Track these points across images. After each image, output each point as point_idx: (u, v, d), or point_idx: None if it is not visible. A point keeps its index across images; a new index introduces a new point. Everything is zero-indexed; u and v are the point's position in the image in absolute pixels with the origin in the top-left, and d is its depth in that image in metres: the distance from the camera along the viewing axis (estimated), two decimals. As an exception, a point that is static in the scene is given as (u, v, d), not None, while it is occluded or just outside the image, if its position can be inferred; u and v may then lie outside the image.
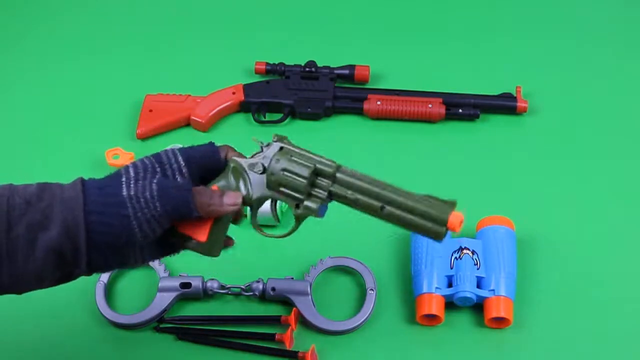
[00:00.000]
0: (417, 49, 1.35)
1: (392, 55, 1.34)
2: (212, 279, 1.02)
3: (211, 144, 0.83)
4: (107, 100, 1.27)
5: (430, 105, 1.22)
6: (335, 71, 1.27)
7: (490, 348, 0.99)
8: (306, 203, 0.80)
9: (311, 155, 0.81)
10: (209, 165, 0.81)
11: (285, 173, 0.80)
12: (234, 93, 1.25)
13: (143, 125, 1.21)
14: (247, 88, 1.25)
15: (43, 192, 0.74)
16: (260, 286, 1.01)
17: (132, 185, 0.75)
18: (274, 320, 1.00)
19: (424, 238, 1.01)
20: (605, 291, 1.04)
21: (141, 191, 0.74)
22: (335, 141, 1.21)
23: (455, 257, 1.01)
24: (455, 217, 0.78)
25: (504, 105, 1.23)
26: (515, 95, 1.23)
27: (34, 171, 1.17)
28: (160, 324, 1.00)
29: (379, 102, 1.22)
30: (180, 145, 1.13)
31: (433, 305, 0.98)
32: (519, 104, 1.23)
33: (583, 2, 1.44)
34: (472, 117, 1.23)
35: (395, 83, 1.28)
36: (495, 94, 1.24)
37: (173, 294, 1.01)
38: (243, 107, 1.25)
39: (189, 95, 1.24)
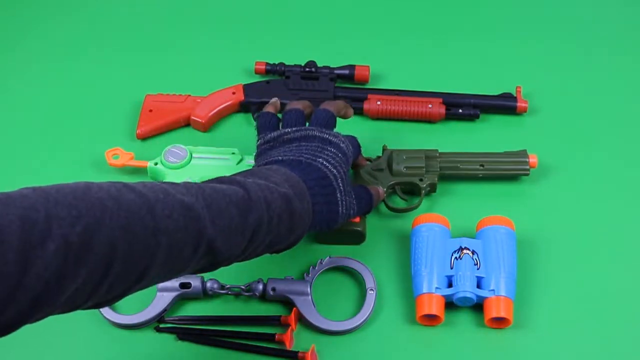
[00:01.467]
0: (417, 49, 1.35)
1: (392, 55, 1.34)
2: (212, 279, 1.02)
3: (355, 141, 1.05)
4: (107, 100, 1.27)
5: (430, 105, 1.22)
6: (335, 71, 1.27)
7: (490, 348, 0.99)
8: (426, 177, 1.11)
9: (417, 150, 1.13)
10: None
11: (407, 169, 1.11)
12: (234, 93, 1.25)
13: (143, 125, 1.21)
14: (247, 88, 1.25)
15: (287, 203, 0.87)
16: (260, 286, 1.01)
17: (343, 202, 0.93)
18: (274, 320, 1.00)
19: (423, 238, 1.03)
20: (605, 291, 1.04)
21: (347, 208, 0.94)
22: (335, 141, 1.21)
23: (455, 257, 1.01)
24: (532, 157, 1.13)
25: (504, 105, 1.23)
26: (515, 95, 1.23)
27: (33, 171, 1.18)
28: (160, 324, 1.01)
29: (379, 102, 1.22)
30: (183, 146, 1.14)
31: (433, 305, 0.98)
32: (519, 104, 1.23)
33: (583, 2, 1.44)
34: (472, 117, 1.23)
35: (395, 83, 1.28)
36: (495, 94, 1.24)
37: (173, 294, 1.01)
38: (243, 107, 1.25)
39: (189, 95, 1.24)
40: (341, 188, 0.93)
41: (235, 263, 0.85)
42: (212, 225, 0.77)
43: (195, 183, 0.81)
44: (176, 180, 1.10)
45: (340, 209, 0.93)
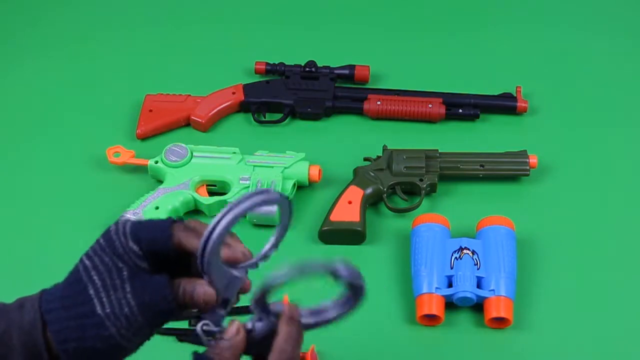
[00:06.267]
0: (417, 48, 1.35)
1: (392, 55, 1.34)
2: None
3: (164, 225, 0.67)
4: (107, 100, 1.27)
5: (430, 105, 1.22)
6: (335, 71, 1.27)
7: (490, 348, 0.99)
8: (426, 177, 1.10)
9: (417, 149, 1.12)
10: (157, 249, 0.67)
11: (407, 169, 1.10)
12: (234, 93, 1.25)
13: (143, 125, 1.21)
14: (247, 88, 1.25)
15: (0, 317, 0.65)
16: None
17: (104, 300, 0.65)
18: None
19: (423, 238, 1.03)
20: (605, 291, 1.04)
21: (118, 308, 0.65)
22: (335, 141, 1.21)
23: (455, 257, 1.01)
24: (532, 157, 1.13)
25: (504, 105, 1.23)
26: (515, 95, 1.23)
27: (35, 170, 1.18)
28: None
29: (379, 102, 1.22)
30: (184, 144, 1.14)
31: (433, 305, 0.98)
32: (519, 104, 1.23)
33: (583, 2, 1.44)
34: (472, 117, 1.23)
35: (395, 83, 1.28)
36: (495, 94, 1.24)
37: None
38: (243, 107, 1.25)
39: (189, 95, 1.24)
40: (97, 282, 0.65)
41: None
42: None
43: None
44: (176, 179, 1.11)
45: (97, 308, 0.64)
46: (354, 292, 0.64)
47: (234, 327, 0.66)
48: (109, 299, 0.65)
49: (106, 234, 0.67)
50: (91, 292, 0.65)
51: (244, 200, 0.62)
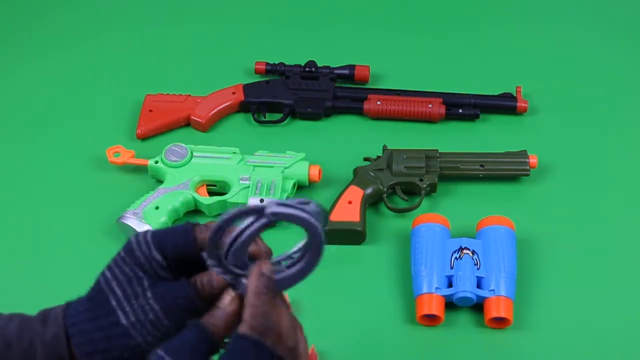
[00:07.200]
0: (417, 49, 1.35)
1: (392, 55, 1.34)
2: None
3: (186, 230, 0.67)
4: (107, 100, 1.27)
5: (430, 105, 1.22)
6: (335, 71, 1.27)
7: (490, 348, 0.99)
8: (426, 177, 1.10)
9: (417, 149, 1.13)
10: (182, 254, 0.66)
11: (407, 169, 1.10)
12: (234, 93, 1.25)
13: (143, 125, 1.21)
14: (247, 88, 1.25)
15: (23, 330, 0.65)
16: None
17: (127, 309, 0.65)
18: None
19: (423, 238, 1.03)
20: (605, 291, 1.04)
21: (142, 315, 0.64)
22: (335, 141, 1.21)
23: (455, 257, 1.01)
24: (532, 157, 1.13)
25: (504, 105, 1.23)
26: (515, 95, 1.23)
27: (35, 170, 1.18)
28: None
29: (379, 102, 1.22)
30: (183, 144, 1.14)
31: (433, 305, 0.98)
32: (519, 104, 1.23)
33: (583, 2, 1.44)
34: (472, 117, 1.23)
35: (395, 83, 1.28)
36: (495, 94, 1.24)
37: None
38: (243, 107, 1.25)
39: (189, 95, 1.24)
40: (117, 292, 0.65)
41: None
42: None
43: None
44: (176, 179, 1.11)
45: (121, 318, 0.64)
46: (310, 233, 0.60)
47: (228, 297, 0.65)
48: (132, 308, 0.64)
49: (127, 245, 0.66)
50: (113, 303, 0.64)
51: (283, 205, 0.59)
